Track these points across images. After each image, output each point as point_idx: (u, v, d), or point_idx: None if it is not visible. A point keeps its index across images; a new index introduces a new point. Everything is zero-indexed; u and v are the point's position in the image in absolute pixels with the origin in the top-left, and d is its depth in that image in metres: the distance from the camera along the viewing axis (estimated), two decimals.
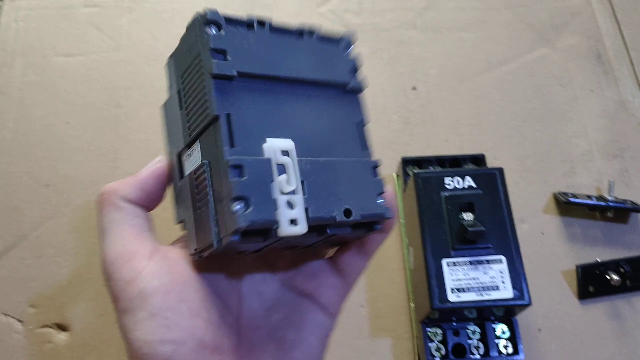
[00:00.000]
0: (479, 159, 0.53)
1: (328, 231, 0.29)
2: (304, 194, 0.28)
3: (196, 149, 0.30)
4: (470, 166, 0.52)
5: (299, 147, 0.29)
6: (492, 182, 0.46)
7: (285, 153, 0.28)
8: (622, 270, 0.49)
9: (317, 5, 0.63)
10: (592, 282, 0.49)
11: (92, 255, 0.51)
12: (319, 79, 0.31)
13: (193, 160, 0.30)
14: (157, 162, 0.32)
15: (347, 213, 0.29)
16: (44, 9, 0.62)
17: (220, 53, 0.28)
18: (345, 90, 0.32)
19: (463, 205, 0.45)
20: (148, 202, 0.31)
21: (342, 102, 0.32)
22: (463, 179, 0.46)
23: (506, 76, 0.60)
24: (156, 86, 0.58)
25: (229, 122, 0.28)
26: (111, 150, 0.55)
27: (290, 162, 0.28)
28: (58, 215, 0.53)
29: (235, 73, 0.28)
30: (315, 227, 0.28)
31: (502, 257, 0.43)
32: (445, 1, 0.63)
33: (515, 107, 0.58)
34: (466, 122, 0.57)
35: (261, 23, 0.30)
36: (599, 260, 0.50)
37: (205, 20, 0.28)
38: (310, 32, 0.32)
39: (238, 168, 0.26)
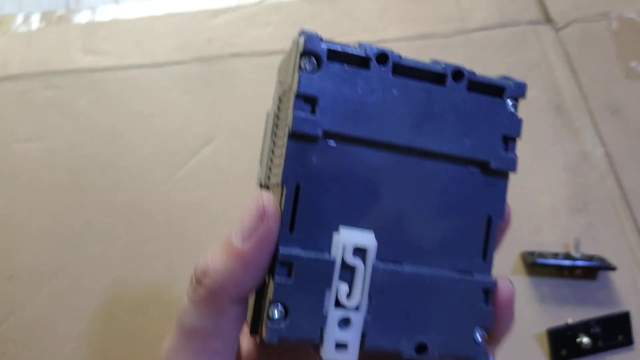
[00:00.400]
0: None
1: None
2: (367, 314, 0.22)
3: None
4: None
5: (386, 245, 0.22)
6: None
7: (360, 252, 0.22)
8: (592, 331, 0.49)
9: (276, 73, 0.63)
10: (563, 346, 0.49)
11: (56, 354, 0.50)
12: (449, 152, 0.23)
13: None
14: (264, 220, 0.21)
15: (421, 348, 0.22)
16: (3, 94, 0.62)
17: (308, 102, 0.22)
18: (486, 171, 0.24)
19: None
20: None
21: (475, 186, 0.23)
22: None
23: None
24: (117, 167, 0.58)
25: (297, 197, 0.22)
26: (74, 236, 0.55)
27: (362, 268, 0.21)
28: (21, 310, 0.52)
29: (319, 133, 0.22)
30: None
31: None
32: None
33: None
34: None
35: (382, 60, 0.22)
36: (570, 321, 0.50)
37: (301, 50, 0.22)
38: (458, 76, 0.23)
39: (286, 265, 0.21)
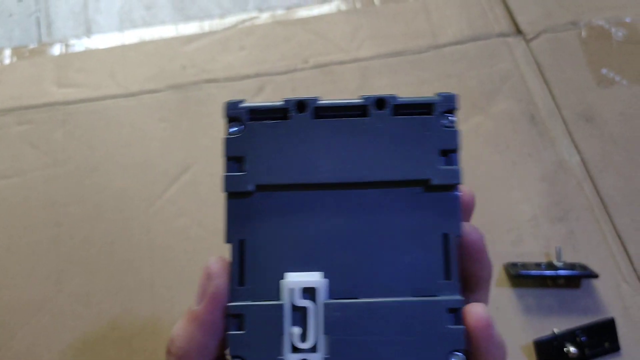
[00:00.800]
0: None
1: None
2: (325, 354, 0.22)
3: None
4: None
5: (340, 282, 0.22)
6: None
7: (310, 293, 0.22)
8: (578, 340, 0.49)
9: (252, 97, 0.63)
10: (551, 356, 0.49)
11: None
12: (385, 179, 0.23)
13: None
14: (213, 282, 0.22)
15: None
16: None
17: (237, 161, 0.23)
18: (429, 188, 0.23)
19: None
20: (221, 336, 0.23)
21: (422, 207, 0.23)
22: None
23: None
24: (95, 199, 0.57)
25: (242, 251, 0.23)
26: (54, 271, 0.54)
27: (312, 308, 0.22)
28: (4, 349, 0.51)
29: (252, 188, 0.23)
30: None
31: None
32: (378, 79, 0.64)
33: None
34: None
35: (301, 107, 0.23)
36: (555, 330, 0.50)
37: (225, 118, 0.23)
38: (380, 105, 0.24)
39: (237, 317, 0.22)
